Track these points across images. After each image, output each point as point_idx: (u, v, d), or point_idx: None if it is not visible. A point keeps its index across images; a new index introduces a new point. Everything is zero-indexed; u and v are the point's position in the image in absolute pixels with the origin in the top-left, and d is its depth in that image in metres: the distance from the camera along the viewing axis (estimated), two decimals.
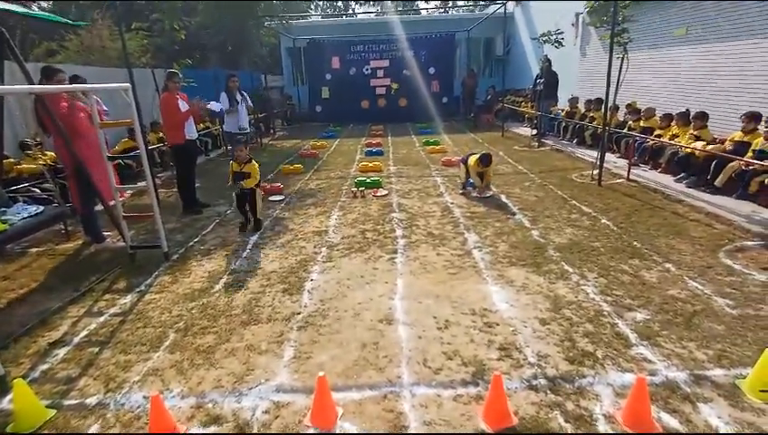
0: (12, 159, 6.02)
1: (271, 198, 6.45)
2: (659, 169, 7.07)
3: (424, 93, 16.01)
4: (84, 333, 3.15)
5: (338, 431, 2.15)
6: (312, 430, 2.16)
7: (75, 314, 3.42)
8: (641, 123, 8.06)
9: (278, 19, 14.93)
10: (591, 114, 9.77)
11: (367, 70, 16.36)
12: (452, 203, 5.90)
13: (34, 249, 4.84)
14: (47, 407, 2.37)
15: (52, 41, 14.71)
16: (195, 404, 2.37)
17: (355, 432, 2.14)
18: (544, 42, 9.42)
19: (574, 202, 5.70)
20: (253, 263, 4.21)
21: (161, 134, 8.56)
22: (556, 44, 9.25)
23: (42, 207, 4.23)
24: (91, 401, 2.44)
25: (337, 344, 2.85)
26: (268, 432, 2.16)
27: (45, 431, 2.24)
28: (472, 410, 2.25)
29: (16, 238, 4.12)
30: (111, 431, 2.21)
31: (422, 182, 7.13)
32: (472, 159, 6.31)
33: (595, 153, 6.92)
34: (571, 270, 3.78)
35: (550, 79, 10.68)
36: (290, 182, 7.48)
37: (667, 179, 6.53)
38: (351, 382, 2.49)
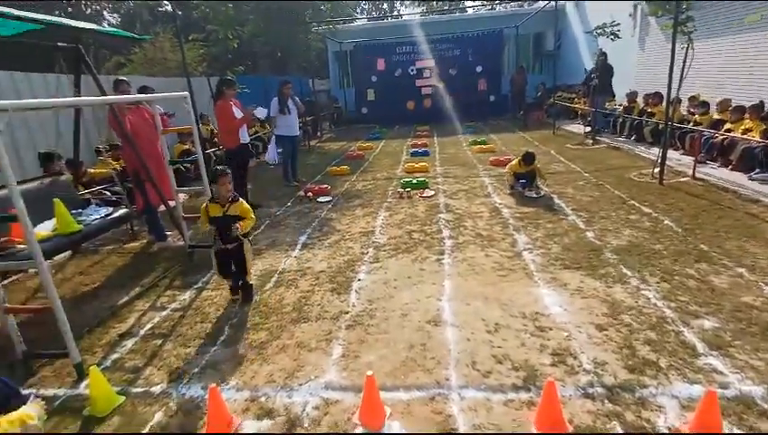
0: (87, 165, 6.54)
1: (319, 200, 6.59)
2: (730, 167, 6.53)
3: (470, 93, 15.76)
4: (149, 326, 3.37)
5: (386, 431, 2.16)
6: (360, 429, 2.18)
7: (141, 308, 3.67)
8: (714, 116, 7.48)
9: (325, 24, 15.26)
10: (651, 109, 9.20)
11: (412, 70, 16.36)
12: (500, 203, 5.76)
13: (105, 248, 5.24)
14: (117, 393, 2.55)
15: (120, 54, 15.89)
16: (249, 397, 2.47)
17: (404, 433, 2.14)
18: (599, 35, 9.00)
19: (633, 202, 5.39)
20: (302, 262, 4.32)
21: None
22: (612, 37, 8.80)
23: (111, 209, 4.57)
24: (156, 389, 2.61)
25: (384, 344, 2.87)
26: (318, 429, 2.21)
27: (117, 416, 2.41)
28: (523, 415, 2.19)
29: (90, 237, 4.46)
30: (174, 419, 2.35)
31: (469, 182, 7.02)
32: (512, 163, 6.15)
33: (656, 150, 6.51)
34: (630, 274, 3.58)
35: (605, 73, 10.18)
36: (337, 183, 7.61)
37: (740, 178, 6.02)
38: (399, 383, 2.49)
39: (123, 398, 2.54)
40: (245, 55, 18.04)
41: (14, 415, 1.49)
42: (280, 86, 7.41)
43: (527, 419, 2.16)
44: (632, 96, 10.31)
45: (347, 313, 3.30)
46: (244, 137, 6.20)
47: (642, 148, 8.54)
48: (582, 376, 2.43)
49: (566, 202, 5.61)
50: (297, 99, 7.73)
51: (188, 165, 7.77)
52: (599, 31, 8.92)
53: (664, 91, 6.37)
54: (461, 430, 2.13)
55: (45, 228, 3.59)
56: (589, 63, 13.03)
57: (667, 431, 2.04)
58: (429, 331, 2.98)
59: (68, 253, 4.91)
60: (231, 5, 11.93)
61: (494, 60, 16.17)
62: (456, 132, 12.99)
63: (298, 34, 13.69)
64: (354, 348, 2.86)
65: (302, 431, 2.20)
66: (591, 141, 9.77)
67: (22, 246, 3.20)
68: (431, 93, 16.41)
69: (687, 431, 2.00)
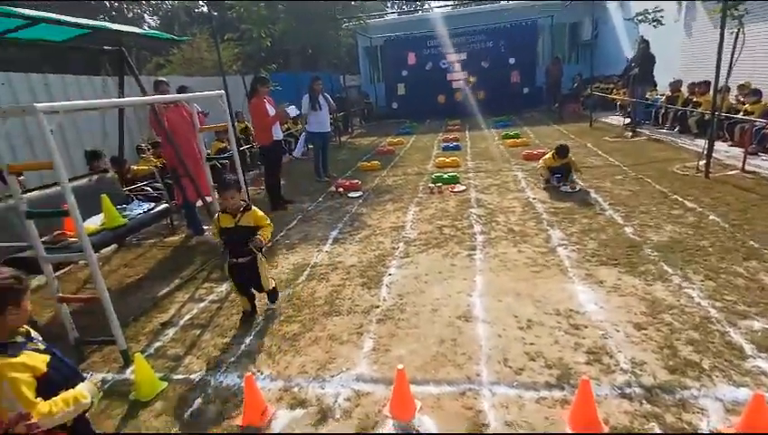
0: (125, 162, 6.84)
1: (349, 195, 6.65)
2: None
3: (503, 85, 15.44)
4: (188, 316, 3.52)
5: (416, 424, 2.17)
6: (391, 421, 2.21)
7: (181, 299, 3.83)
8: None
9: (355, 19, 15.30)
10: (697, 98, 8.73)
11: (443, 64, 16.17)
12: (534, 198, 5.64)
13: (147, 241, 5.49)
14: (160, 379, 2.69)
15: (160, 56, 16.51)
16: (283, 387, 2.54)
17: (434, 431, 2.15)
18: (640, 21, 8.60)
19: (676, 196, 5.15)
20: (333, 257, 4.38)
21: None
22: (654, 24, 8.40)
23: (153, 204, 4.78)
24: (195, 377, 2.72)
25: (415, 339, 2.88)
26: (350, 420, 2.25)
27: (159, 401, 2.54)
28: (556, 414, 2.15)
29: (134, 232, 4.70)
30: (212, 405, 2.45)
31: (501, 177, 6.90)
32: (546, 157, 6.00)
33: (701, 142, 6.19)
34: (671, 271, 3.43)
35: (646, 62, 9.72)
36: (367, 179, 7.65)
37: None
38: (430, 377, 2.50)
39: (166, 383, 2.67)
40: (278, 53, 18.35)
41: (69, 393, 1.59)
42: (310, 83, 7.48)
43: (560, 417, 2.12)
44: (676, 85, 9.81)
45: (377, 307, 3.33)
46: (278, 133, 6.32)
47: (686, 139, 8.13)
48: (619, 375, 2.36)
49: (603, 197, 5.42)
50: (328, 96, 7.79)
51: (224, 161, 7.99)
52: (640, 17, 8.55)
53: (712, 80, 6.03)
54: (492, 427, 2.11)
55: (93, 223, 3.80)
56: (629, 52, 12.49)
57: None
58: (460, 326, 2.97)
59: (114, 246, 5.19)
60: (263, 5, 12.14)
61: (527, 51, 15.74)
62: (488, 126, 12.77)
63: (328, 31, 13.80)
64: (385, 342, 2.88)
65: (334, 422, 2.24)
66: (631, 133, 9.38)
67: (73, 239, 3.40)
68: (462, 87, 16.19)
69: None
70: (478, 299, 3.30)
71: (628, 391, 2.25)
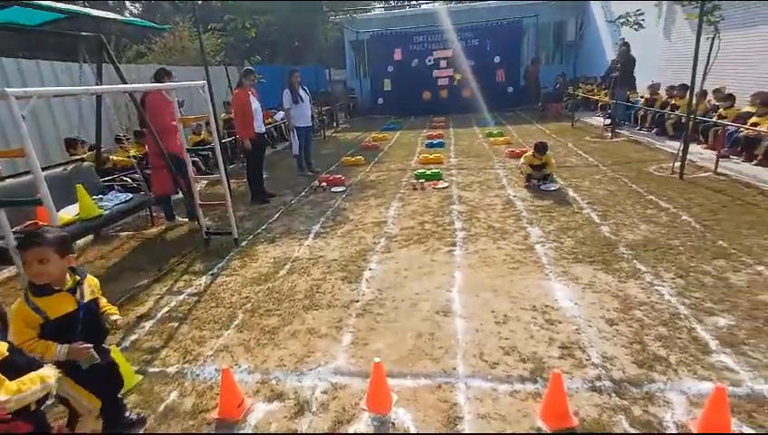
0: (108, 152, 6.69)
1: (333, 189, 6.63)
2: (755, 162, 6.33)
3: (488, 83, 15.56)
4: (166, 309, 3.48)
5: (392, 416, 2.20)
6: (367, 414, 2.23)
7: (158, 292, 3.78)
8: (744, 108, 7.23)
9: (342, 13, 15.20)
10: (674, 101, 8.96)
11: (429, 61, 16.19)
12: (514, 196, 5.72)
13: (124, 233, 5.39)
14: (136, 372, 2.65)
15: (141, 44, 16.12)
16: (260, 380, 2.54)
17: (409, 424, 2.18)
18: (622, 24, 8.76)
19: (651, 197, 5.29)
20: (315, 251, 4.38)
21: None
22: (636, 26, 8.57)
23: (131, 195, 4.69)
24: (171, 370, 2.70)
25: (393, 332, 2.90)
26: (326, 413, 2.26)
27: (135, 394, 2.51)
28: (529, 407, 2.20)
29: (111, 223, 4.60)
30: (188, 398, 2.43)
31: (484, 174, 6.98)
32: (527, 154, 6.10)
33: (677, 144, 6.36)
34: (644, 269, 3.53)
35: (627, 64, 9.92)
36: (351, 174, 7.64)
37: (764, 173, 5.83)
38: (407, 370, 2.53)
39: (141, 377, 2.64)
40: (263, 45, 18.11)
41: (34, 373, 1.57)
42: (288, 76, 7.34)
43: (533, 410, 2.18)
44: (655, 88, 10.05)
45: (357, 301, 3.35)
46: (260, 126, 6.26)
47: (664, 141, 8.34)
48: (590, 370, 2.43)
49: (582, 196, 5.53)
50: (306, 89, 7.64)
51: (198, 158, 7.74)
52: (622, 20, 8.70)
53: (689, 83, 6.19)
54: (466, 419, 2.15)
55: (68, 213, 3.71)
56: (610, 54, 12.72)
57: (674, 427, 2.03)
58: (438, 321, 3.01)
59: (90, 237, 5.08)
60: None
61: (512, 50, 15.89)
62: (472, 124, 12.87)
63: (315, 24, 13.68)
64: (363, 335, 2.90)
65: (311, 415, 2.26)
66: (611, 134, 9.58)
67: None
68: (448, 84, 16.25)
69: (695, 427, 1.99)
70: (457, 294, 3.34)
71: (598, 384, 2.31)
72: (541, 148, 5.93)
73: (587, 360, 2.51)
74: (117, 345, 2.82)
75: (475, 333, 2.83)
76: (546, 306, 3.09)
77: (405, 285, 3.54)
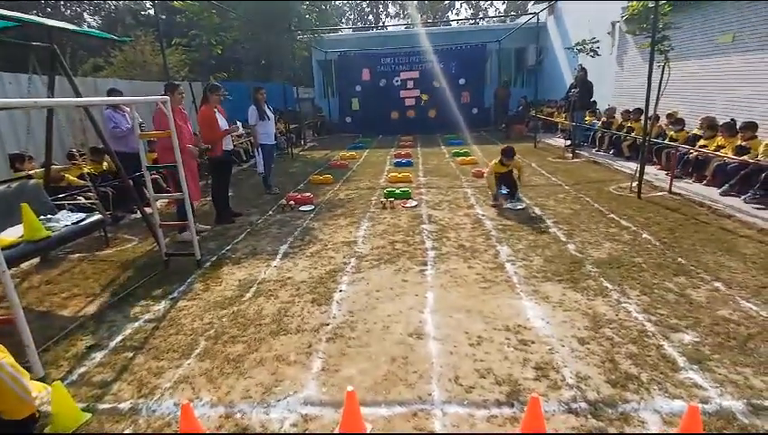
0: (59, 168, 6.30)
1: (301, 208, 6.50)
2: (704, 182, 6.71)
3: (454, 104, 15.95)
4: (119, 338, 3.22)
5: None
6: None
7: (112, 319, 3.51)
8: (694, 132, 7.68)
9: (310, 32, 15.25)
10: (629, 124, 9.45)
11: (397, 81, 16.48)
12: (483, 215, 5.78)
13: (76, 255, 5.03)
14: (83, 410, 2.41)
15: (99, 57, 15.56)
16: (224, 414, 2.36)
17: None
18: (579, 51, 9.22)
19: (612, 215, 5.48)
20: (282, 272, 4.22)
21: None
22: (591, 54, 9.04)
23: (84, 215, 4.40)
24: (125, 405, 2.47)
25: (366, 358, 2.80)
26: None
27: (81, 434, 2.28)
28: (507, 431, 2.14)
29: (60, 244, 4.28)
30: None
31: (452, 193, 7.04)
32: (493, 163, 6.22)
33: (633, 165, 6.65)
34: (610, 287, 3.60)
35: (584, 89, 10.42)
36: (320, 192, 7.53)
37: (714, 193, 6.18)
38: (381, 398, 2.42)
39: (89, 415, 2.40)
40: (229, 61, 17.89)
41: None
42: (253, 93, 7.21)
43: None
44: (611, 112, 10.58)
45: (327, 324, 3.22)
46: (228, 144, 6.07)
47: (620, 162, 8.73)
48: (565, 391, 2.41)
49: (547, 214, 5.66)
50: (270, 107, 7.55)
51: (158, 175, 7.36)
52: (579, 47, 9.15)
53: (643, 108, 6.53)
54: None
55: (11, 235, 3.42)
56: (569, 79, 13.33)
57: None
58: (412, 344, 2.93)
59: (35, 260, 4.70)
60: (215, 12, 11.78)
61: (477, 73, 16.45)
62: (439, 144, 13.08)
63: (283, 42, 13.64)
64: (335, 361, 2.78)
65: None
66: (571, 155, 9.96)
67: None
68: (415, 104, 16.55)
69: None
70: (429, 316, 3.28)
71: (574, 406, 2.29)
72: (508, 152, 6.06)
73: (561, 380, 2.49)
74: (61, 380, 2.56)
75: (449, 356, 2.77)
76: (519, 326, 3.08)
77: (377, 307, 3.45)
